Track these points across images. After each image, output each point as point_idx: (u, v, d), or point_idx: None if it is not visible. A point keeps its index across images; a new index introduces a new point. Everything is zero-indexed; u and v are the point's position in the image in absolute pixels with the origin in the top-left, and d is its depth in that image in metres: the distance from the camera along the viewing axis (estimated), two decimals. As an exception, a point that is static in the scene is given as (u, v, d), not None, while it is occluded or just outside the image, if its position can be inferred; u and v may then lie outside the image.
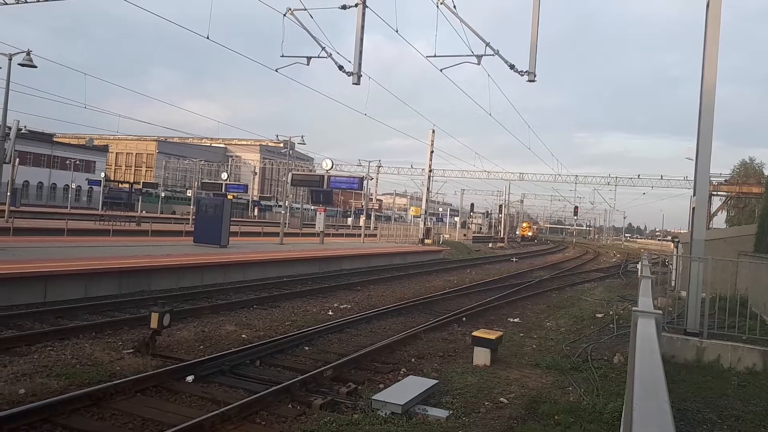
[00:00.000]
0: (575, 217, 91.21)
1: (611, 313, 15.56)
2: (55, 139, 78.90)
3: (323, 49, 19.46)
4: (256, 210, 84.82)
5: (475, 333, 9.68)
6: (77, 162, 74.53)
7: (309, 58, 19.64)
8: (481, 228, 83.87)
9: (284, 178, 43.59)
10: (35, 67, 16.86)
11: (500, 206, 74.85)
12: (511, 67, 17.84)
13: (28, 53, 16.67)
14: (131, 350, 8.73)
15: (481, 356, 9.31)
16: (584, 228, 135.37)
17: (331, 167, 32.37)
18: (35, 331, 9.53)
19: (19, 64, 16.40)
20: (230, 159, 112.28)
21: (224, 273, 17.27)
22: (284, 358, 9.14)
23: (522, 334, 12.39)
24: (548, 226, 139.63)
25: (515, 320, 14.29)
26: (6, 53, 16.09)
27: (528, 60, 17.65)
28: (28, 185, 70.08)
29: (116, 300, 12.70)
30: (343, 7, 19.78)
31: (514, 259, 39.02)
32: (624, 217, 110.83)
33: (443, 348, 10.48)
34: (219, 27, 22.39)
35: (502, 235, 66.12)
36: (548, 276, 27.06)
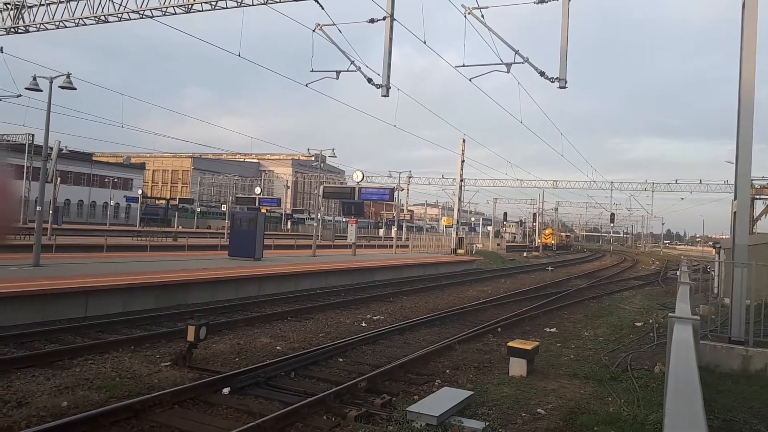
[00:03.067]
0: (612, 224, 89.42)
1: (651, 321, 15.16)
2: (94, 158, 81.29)
3: (352, 62, 19.65)
4: (289, 223, 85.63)
5: (510, 343, 9.54)
6: (115, 180, 76.60)
7: (338, 72, 19.84)
8: (515, 237, 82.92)
9: (316, 191, 43.99)
10: (75, 89, 17.40)
11: (534, 214, 73.96)
12: (542, 74, 17.67)
13: (68, 76, 17.21)
14: (169, 363, 8.87)
15: (517, 367, 9.16)
16: (621, 235, 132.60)
17: (362, 179, 32.49)
18: (77, 344, 9.77)
19: (59, 87, 16.94)
20: (263, 173, 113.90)
21: (259, 286, 17.45)
22: (319, 370, 9.16)
23: (559, 344, 12.16)
24: (584, 233, 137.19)
25: (552, 330, 14.04)
26: (47, 76, 16.65)
27: (558, 66, 17.50)
28: (70, 203, 72.27)
29: (154, 314, 12.95)
30: (371, 21, 19.96)
31: (549, 268, 38.41)
32: (662, 224, 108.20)
33: (478, 359, 10.35)
34: (250, 45, 22.83)
35: (536, 244, 65.21)
36: (585, 285, 26.56)
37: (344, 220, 62.34)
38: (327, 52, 19.25)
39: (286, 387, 8.09)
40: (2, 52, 24.51)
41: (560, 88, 17.55)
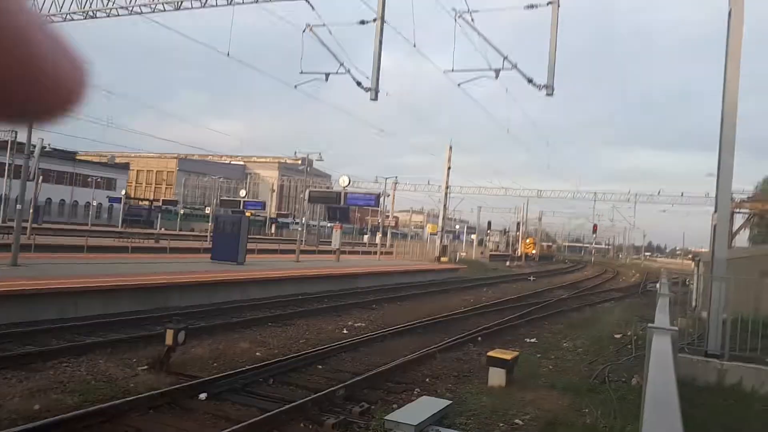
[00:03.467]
0: (594, 235, 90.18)
1: (629, 333, 15.30)
2: (77, 157, 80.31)
3: (341, 64, 19.64)
4: (273, 227, 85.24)
5: (490, 353, 9.57)
6: (99, 180, 75.73)
7: (327, 75, 19.82)
8: (498, 246, 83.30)
9: (302, 195, 43.90)
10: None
11: (518, 224, 74.38)
12: (530, 81, 17.72)
13: (53, 73, 17.05)
14: (146, 367, 8.76)
15: (496, 377, 9.18)
16: (603, 246, 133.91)
17: (348, 184, 32.43)
18: (52, 347, 9.60)
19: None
20: (249, 176, 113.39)
21: (240, 290, 17.33)
22: (298, 377, 9.11)
23: (539, 355, 12.23)
24: (567, 244, 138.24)
25: (532, 340, 14.12)
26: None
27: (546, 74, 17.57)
28: (51, 202, 71.26)
29: (133, 317, 12.78)
30: (362, 22, 19.97)
31: (531, 278, 38.59)
32: (644, 235, 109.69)
33: (458, 368, 10.38)
34: (239, 45, 22.64)
35: (519, 253, 65.55)
36: (566, 295, 26.75)
37: (329, 225, 62.28)
38: (317, 54, 19.18)
39: (264, 393, 8.05)
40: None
41: (547, 95, 17.61)
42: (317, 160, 34.12)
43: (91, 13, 21.96)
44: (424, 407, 7.27)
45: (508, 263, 56.17)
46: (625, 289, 34.29)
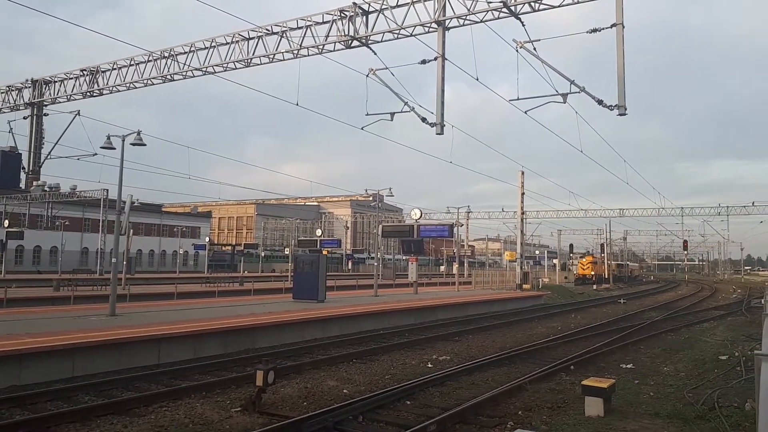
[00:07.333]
0: (685, 252, 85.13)
1: (737, 354, 14.22)
2: (163, 209, 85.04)
3: (406, 103, 19.95)
4: (350, 263, 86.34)
5: (584, 382, 9.14)
6: (184, 229, 79.68)
7: (392, 114, 20.17)
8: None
9: (375, 231, 44.23)
10: (145, 145, 18.28)
11: (602, 245, 71.45)
12: (599, 102, 17.47)
13: (139, 133, 18.11)
14: (239, 408, 8.94)
15: (594, 406, 8.72)
16: (696, 263, 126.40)
17: (420, 216, 32.43)
18: (151, 392, 10.01)
19: (131, 144, 17.84)
20: (323, 215, 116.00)
21: (323, 328, 17.53)
22: (386, 413, 9.01)
23: (637, 381, 11.55)
24: (656, 263, 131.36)
25: (628, 366, 13.37)
26: (119, 135, 17.59)
27: (617, 94, 17.25)
28: (141, 253, 75.56)
29: (223, 359, 13.17)
30: (423, 62, 20.30)
31: (621, 301, 36.94)
32: (741, 249, 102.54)
33: (551, 399, 9.94)
34: (307, 93, 23.64)
35: (606, 276, 62.80)
36: (661, 317, 25.33)
37: (404, 258, 62.24)
38: (381, 95, 19.62)
39: (354, 431, 7.99)
40: (79, 115, 26.25)
41: (620, 115, 17.27)
42: (388, 195, 34.42)
43: (169, 77, 23.43)
44: (519, 441, 6.97)
45: (595, 287, 54.06)
46: (726, 307, 32.07)
